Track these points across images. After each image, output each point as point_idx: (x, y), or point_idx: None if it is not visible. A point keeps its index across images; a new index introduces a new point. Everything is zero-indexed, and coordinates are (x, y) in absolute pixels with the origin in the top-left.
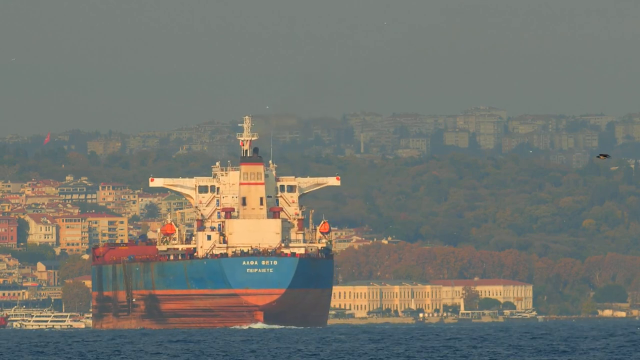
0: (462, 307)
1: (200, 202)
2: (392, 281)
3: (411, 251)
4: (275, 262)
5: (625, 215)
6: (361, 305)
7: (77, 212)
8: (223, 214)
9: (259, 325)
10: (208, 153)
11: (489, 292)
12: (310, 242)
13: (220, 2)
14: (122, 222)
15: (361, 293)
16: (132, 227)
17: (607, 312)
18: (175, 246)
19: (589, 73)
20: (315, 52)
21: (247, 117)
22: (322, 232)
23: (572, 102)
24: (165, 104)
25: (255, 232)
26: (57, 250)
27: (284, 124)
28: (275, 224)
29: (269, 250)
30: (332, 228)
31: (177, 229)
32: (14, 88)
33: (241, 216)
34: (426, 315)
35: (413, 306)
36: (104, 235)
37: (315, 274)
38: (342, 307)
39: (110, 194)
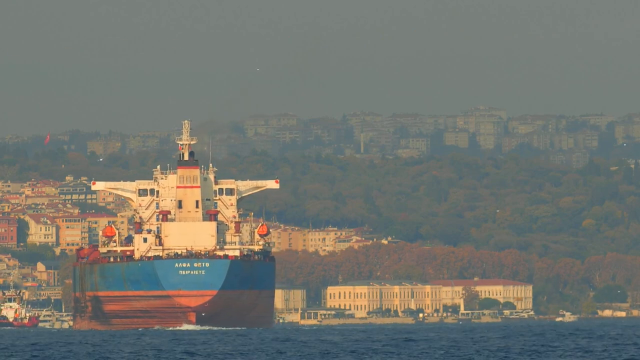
0: (462, 307)
1: (140, 205)
2: (392, 281)
3: (411, 251)
4: (208, 264)
5: (625, 215)
6: (361, 306)
7: (77, 212)
8: (160, 216)
9: (192, 326)
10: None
11: (489, 292)
12: (248, 244)
13: (220, 2)
14: (122, 223)
15: (361, 293)
16: (131, 227)
17: (607, 312)
18: (115, 248)
19: (589, 73)
20: (315, 51)
21: (186, 121)
22: (260, 235)
23: (572, 102)
24: (165, 104)
25: (190, 234)
26: (57, 251)
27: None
28: (210, 227)
29: (203, 253)
30: (330, 228)
31: (117, 232)
32: (14, 88)
33: (177, 219)
34: (426, 315)
35: (413, 306)
36: None
37: (250, 275)
38: (342, 307)
39: (110, 194)
